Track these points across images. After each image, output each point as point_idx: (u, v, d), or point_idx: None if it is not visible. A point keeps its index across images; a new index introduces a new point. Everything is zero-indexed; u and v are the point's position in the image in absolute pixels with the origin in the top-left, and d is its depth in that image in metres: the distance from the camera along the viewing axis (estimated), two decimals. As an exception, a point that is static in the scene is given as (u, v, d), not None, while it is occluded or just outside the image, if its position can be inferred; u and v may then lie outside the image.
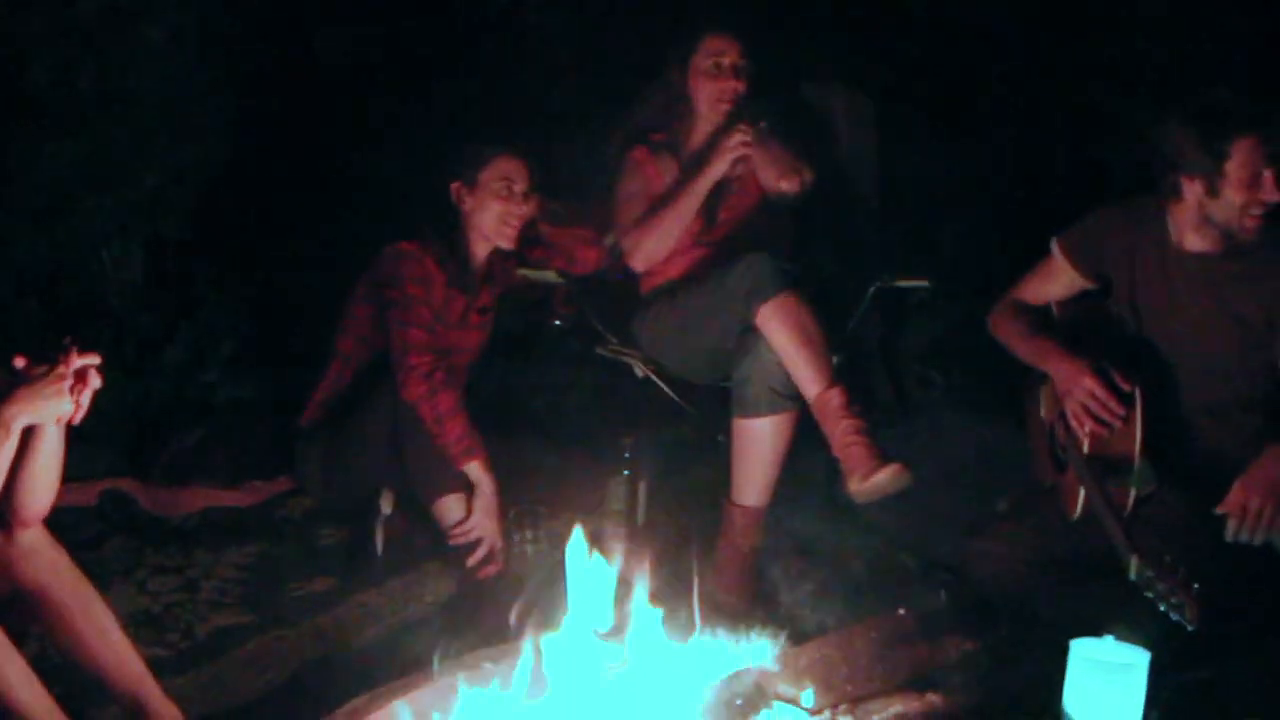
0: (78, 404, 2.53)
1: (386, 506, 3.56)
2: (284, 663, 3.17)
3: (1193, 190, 3.22)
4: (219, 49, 4.17)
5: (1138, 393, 3.19)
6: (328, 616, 3.34)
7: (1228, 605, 2.93)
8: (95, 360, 2.55)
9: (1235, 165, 3.16)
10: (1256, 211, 3.18)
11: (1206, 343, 3.28)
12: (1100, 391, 3.20)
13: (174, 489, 3.82)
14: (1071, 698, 2.74)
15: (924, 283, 3.83)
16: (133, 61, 4.13)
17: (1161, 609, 2.81)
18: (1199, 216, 3.24)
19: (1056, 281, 3.51)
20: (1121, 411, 3.18)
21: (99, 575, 3.04)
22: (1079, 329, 3.44)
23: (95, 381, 2.55)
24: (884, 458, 3.32)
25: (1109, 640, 2.77)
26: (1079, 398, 3.23)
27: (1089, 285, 3.47)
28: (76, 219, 4.18)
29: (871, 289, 3.80)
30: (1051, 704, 2.77)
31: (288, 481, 3.82)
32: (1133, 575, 2.89)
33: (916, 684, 2.60)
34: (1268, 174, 3.15)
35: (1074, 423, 3.26)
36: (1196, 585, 2.79)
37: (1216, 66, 3.95)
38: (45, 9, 3.98)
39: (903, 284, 3.82)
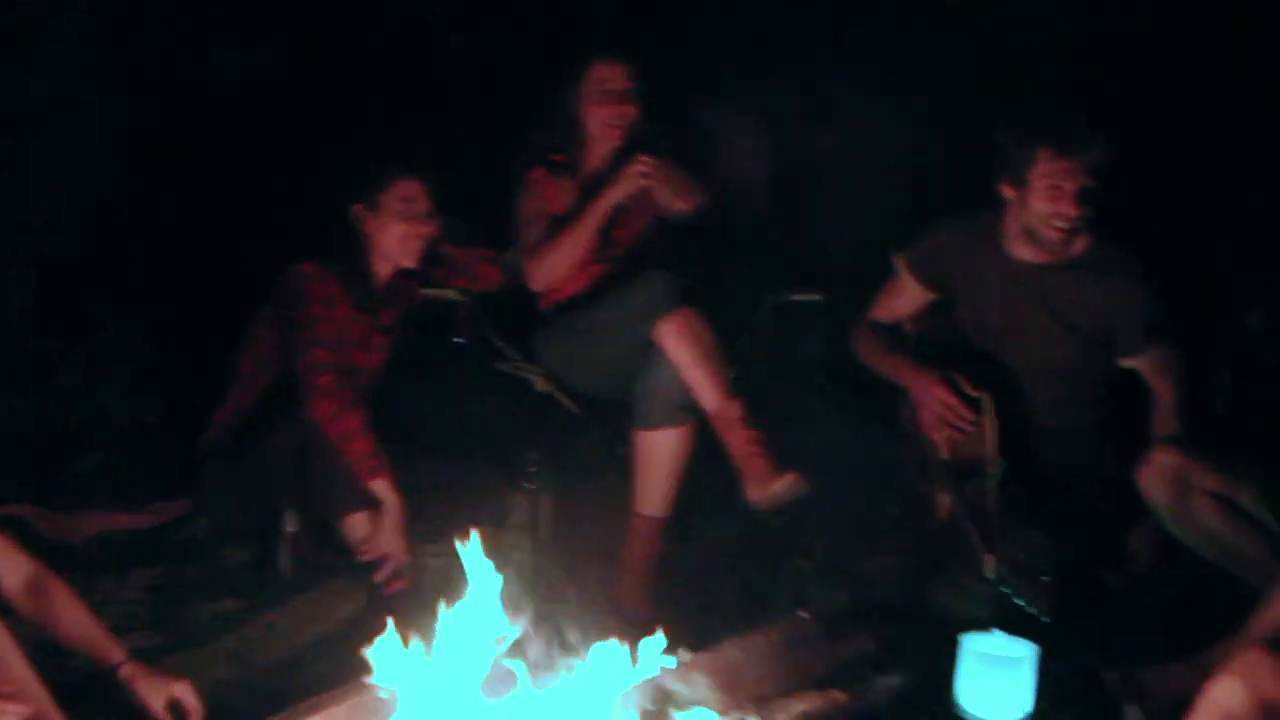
0: None
1: (291, 525, 3.58)
2: (195, 683, 3.16)
3: (1011, 197, 3.39)
4: (114, 70, 4.14)
5: (986, 398, 3.35)
6: (235, 636, 3.34)
7: (1085, 587, 3.12)
8: None
9: (1037, 174, 3.32)
10: (1059, 224, 3.32)
11: (1043, 348, 3.45)
12: (950, 400, 3.36)
13: (73, 514, 3.76)
14: (964, 690, 2.87)
15: (816, 296, 3.94)
16: (25, 82, 4.10)
17: (1018, 603, 2.96)
18: (1019, 226, 3.40)
19: (904, 296, 3.65)
20: (972, 417, 3.34)
21: (-2, 603, 3.02)
22: (930, 342, 3.60)
23: None
24: (782, 467, 3.42)
25: (997, 634, 2.90)
26: (932, 407, 3.38)
27: (934, 297, 3.62)
28: (-34, 240, 4.13)
29: (766, 303, 3.90)
30: (945, 697, 2.89)
31: (189, 503, 3.80)
32: (989, 573, 3.05)
33: (819, 682, 2.68)
34: (1069, 188, 3.29)
35: (929, 431, 3.40)
36: (1046, 579, 2.96)
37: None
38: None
39: (796, 298, 3.93)
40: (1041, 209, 3.32)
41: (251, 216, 4.25)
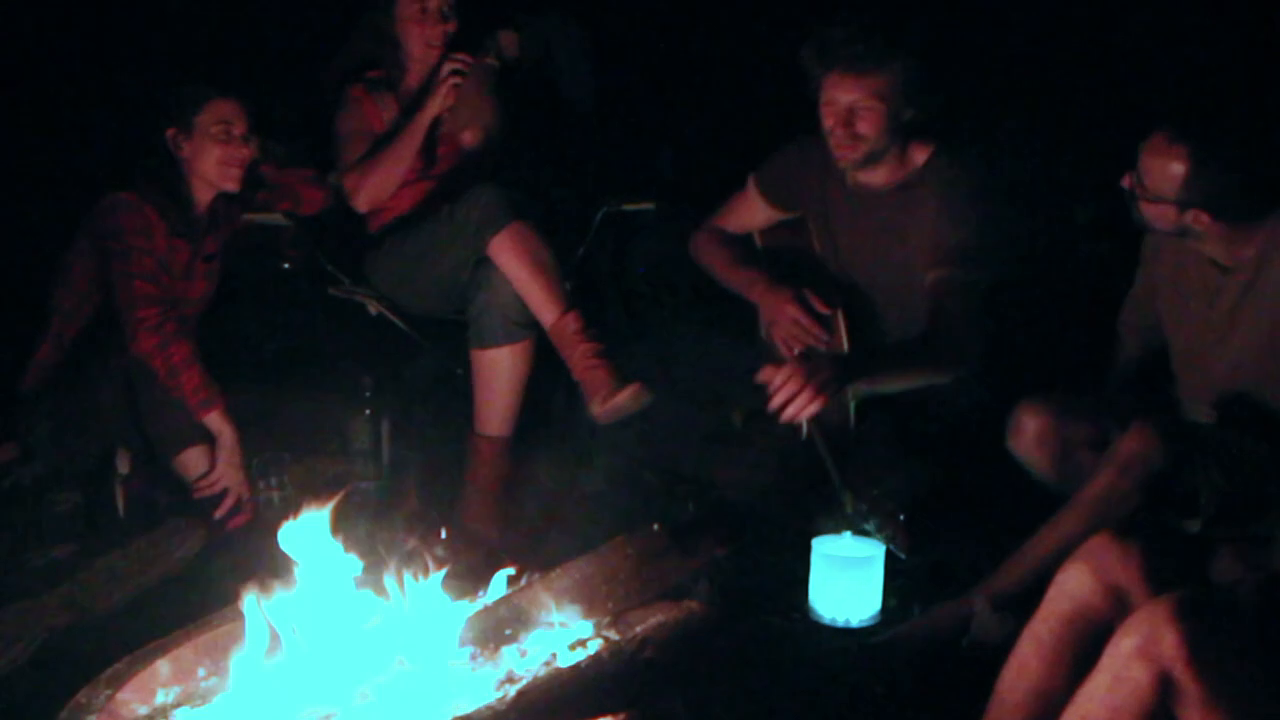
0: None
1: (124, 466, 3.48)
2: (31, 635, 3.04)
3: None
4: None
5: (839, 315, 3.36)
6: (72, 583, 3.22)
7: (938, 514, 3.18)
8: None
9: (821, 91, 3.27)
10: (834, 143, 3.26)
11: (889, 271, 3.44)
12: (803, 318, 3.34)
13: (-114, 467, 3.62)
14: (816, 592, 2.92)
15: (649, 205, 3.92)
16: None
17: (878, 540, 3.01)
18: None
19: (756, 214, 3.64)
20: (824, 334, 3.33)
21: None
22: (781, 256, 3.59)
23: None
24: (624, 378, 3.42)
25: (847, 536, 2.96)
26: (784, 325, 3.37)
27: (787, 216, 3.61)
28: None
29: (599, 213, 3.88)
30: (798, 599, 2.95)
31: (12, 449, 3.66)
32: (848, 510, 3.10)
33: (673, 593, 2.70)
34: (841, 104, 3.21)
35: (783, 349, 3.40)
36: (903, 516, 3.02)
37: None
38: None
39: (629, 207, 3.91)
40: (825, 126, 3.28)
41: (61, 143, 4.07)
